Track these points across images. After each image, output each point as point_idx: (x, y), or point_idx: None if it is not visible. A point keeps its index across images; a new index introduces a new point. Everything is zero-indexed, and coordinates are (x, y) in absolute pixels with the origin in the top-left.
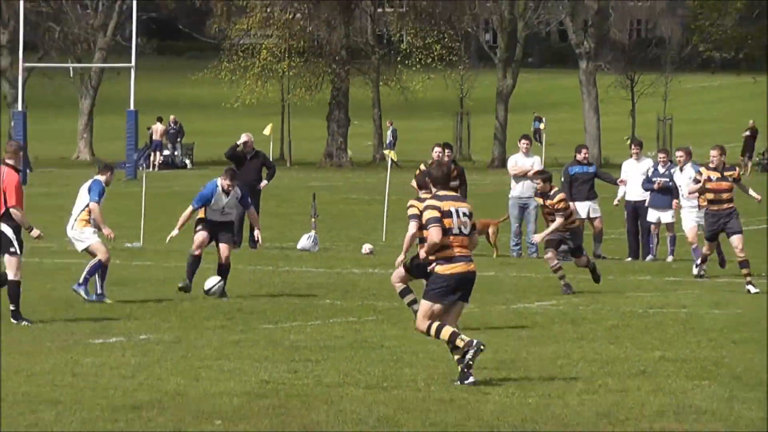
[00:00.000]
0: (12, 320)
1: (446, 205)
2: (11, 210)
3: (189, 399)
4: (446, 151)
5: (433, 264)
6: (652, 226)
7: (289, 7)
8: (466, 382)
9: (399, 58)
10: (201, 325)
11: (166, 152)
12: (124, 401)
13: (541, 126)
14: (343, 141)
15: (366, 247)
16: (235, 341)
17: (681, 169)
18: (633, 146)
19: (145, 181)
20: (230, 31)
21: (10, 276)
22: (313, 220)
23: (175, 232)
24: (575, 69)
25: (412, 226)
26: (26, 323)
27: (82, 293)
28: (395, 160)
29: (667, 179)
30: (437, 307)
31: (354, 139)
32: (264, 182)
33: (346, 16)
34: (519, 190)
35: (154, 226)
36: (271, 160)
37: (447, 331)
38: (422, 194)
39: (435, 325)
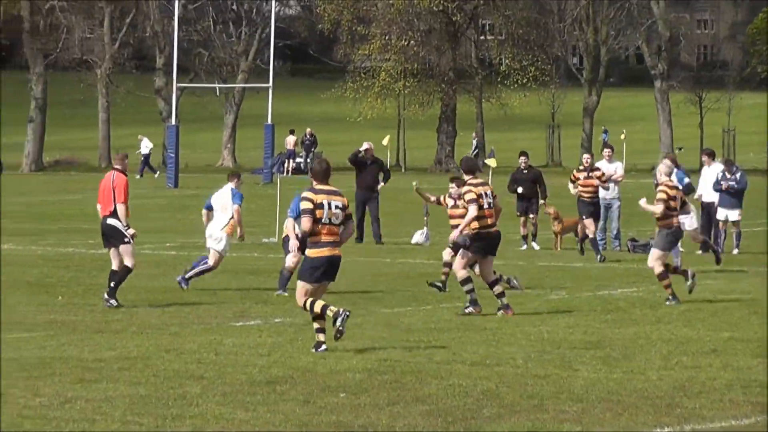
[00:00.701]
0: (105, 296)
1: (319, 198)
2: (118, 205)
3: (317, 375)
4: (523, 158)
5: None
6: (720, 223)
7: (405, 35)
8: (320, 349)
9: (499, 79)
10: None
11: (299, 160)
12: (260, 377)
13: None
14: (451, 150)
15: None
16: (357, 324)
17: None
18: (704, 156)
19: (279, 185)
20: (354, 56)
21: (127, 263)
22: (425, 218)
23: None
24: (650, 88)
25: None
26: (112, 304)
27: (184, 286)
28: (493, 167)
29: (733, 182)
30: (309, 286)
31: (459, 149)
32: (381, 184)
33: (453, 42)
34: (603, 192)
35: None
36: (387, 166)
37: (318, 305)
38: (469, 179)
39: (309, 300)
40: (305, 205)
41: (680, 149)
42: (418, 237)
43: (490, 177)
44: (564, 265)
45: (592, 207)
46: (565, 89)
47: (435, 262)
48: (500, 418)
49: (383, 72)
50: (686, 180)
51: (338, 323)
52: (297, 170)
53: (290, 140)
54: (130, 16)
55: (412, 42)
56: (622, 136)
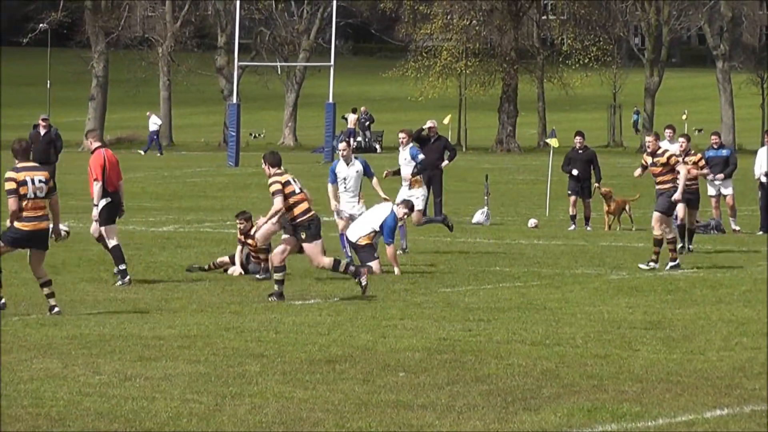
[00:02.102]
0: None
1: (21, 176)
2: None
3: (377, 353)
4: (578, 137)
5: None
6: None
7: (467, 15)
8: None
9: (560, 59)
10: (387, 288)
11: (359, 138)
12: (320, 355)
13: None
14: (512, 129)
15: (532, 222)
16: (417, 303)
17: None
18: (767, 136)
19: None
20: (416, 35)
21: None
22: (486, 197)
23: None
24: (712, 68)
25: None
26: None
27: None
28: (555, 146)
29: None
30: (6, 249)
31: (521, 128)
32: (445, 162)
33: (515, 22)
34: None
35: None
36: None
37: None
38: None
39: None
40: (10, 185)
41: (699, 131)
42: (479, 216)
43: (551, 156)
44: (625, 245)
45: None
46: (626, 69)
47: (495, 242)
48: (560, 398)
49: (445, 51)
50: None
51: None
52: (358, 149)
53: (351, 119)
54: None
55: (474, 21)
56: (684, 117)
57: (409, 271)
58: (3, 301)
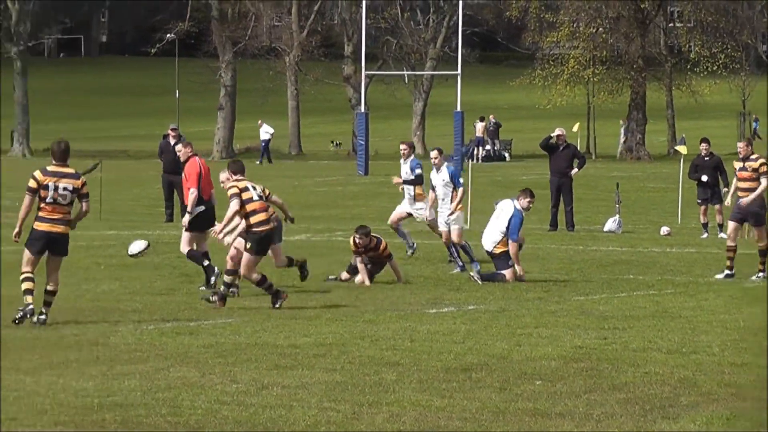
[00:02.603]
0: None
1: (45, 180)
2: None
3: (512, 361)
4: (704, 144)
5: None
6: None
7: (593, 23)
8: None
9: (688, 66)
10: (521, 297)
11: (488, 147)
12: (455, 363)
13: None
14: (641, 137)
15: (664, 229)
16: (551, 311)
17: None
18: None
19: (471, 172)
20: (543, 43)
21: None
22: (617, 205)
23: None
24: None
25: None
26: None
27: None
28: (684, 153)
29: None
30: (28, 255)
31: (650, 136)
32: (575, 170)
33: (642, 29)
34: None
35: (478, 210)
36: (581, 153)
37: (25, 285)
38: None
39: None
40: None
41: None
42: (611, 224)
43: (681, 164)
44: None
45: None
46: (755, 77)
47: (628, 249)
48: (698, 407)
49: (572, 59)
50: None
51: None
52: (487, 157)
53: (479, 127)
54: (318, 4)
55: (600, 29)
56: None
57: (543, 279)
58: (31, 307)
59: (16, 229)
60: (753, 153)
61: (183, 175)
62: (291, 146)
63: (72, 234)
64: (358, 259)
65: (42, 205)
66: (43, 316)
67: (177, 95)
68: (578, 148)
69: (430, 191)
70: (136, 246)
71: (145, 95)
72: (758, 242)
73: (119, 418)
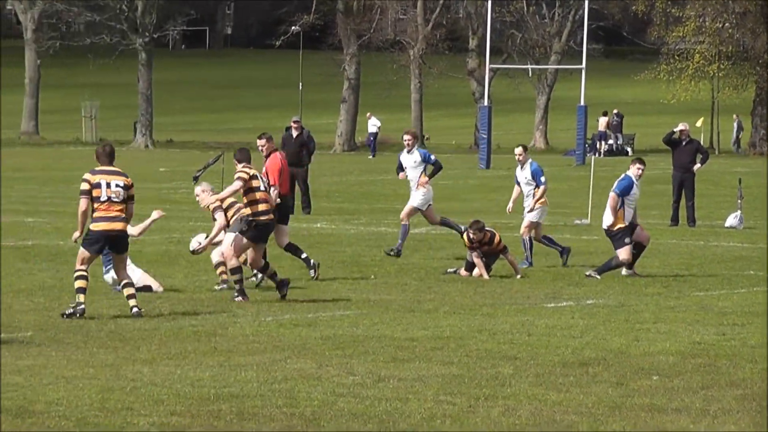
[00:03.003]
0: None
1: (96, 178)
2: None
3: (630, 357)
4: None
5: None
6: None
7: (719, 18)
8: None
9: None
10: (640, 292)
11: (611, 141)
12: (573, 358)
13: None
14: (765, 133)
15: None
16: (670, 306)
17: None
18: None
19: (593, 166)
20: (668, 38)
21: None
22: (739, 201)
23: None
24: None
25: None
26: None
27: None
28: None
29: None
30: (89, 255)
31: None
32: (697, 165)
33: None
34: None
35: (599, 205)
36: (704, 148)
37: (79, 283)
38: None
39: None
40: (81, 186)
41: None
42: (732, 220)
43: None
44: None
45: None
46: None
47: (749, 246)
48: None
49: (697, 54)
50: None
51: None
52: (609, 152)
53: (602, 122)
54: None
55: (726, 24)
56: None
57: (663, 274)
58: (82, 307)
59: (77, 233)
60: None
61: (264, 169)
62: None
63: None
64: (474, 254)
65: (96, 205)
66: (136, 309)
67: (300, 88)
68: (701, 143)
69: (515, 186)
70: (195, 242)
71: (268, 88)
72: None
73: (235, 408)
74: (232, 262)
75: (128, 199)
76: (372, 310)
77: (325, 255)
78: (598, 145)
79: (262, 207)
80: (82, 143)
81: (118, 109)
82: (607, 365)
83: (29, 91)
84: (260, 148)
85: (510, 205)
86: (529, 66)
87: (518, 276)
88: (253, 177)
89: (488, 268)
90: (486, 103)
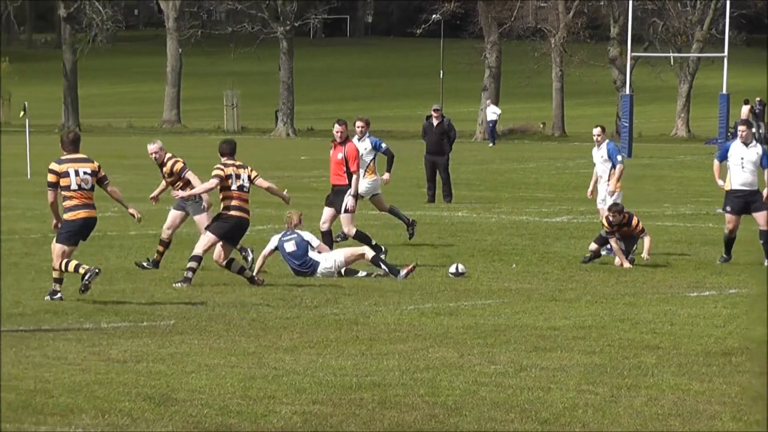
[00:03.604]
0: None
1: (63, 168)
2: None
3: None
4: None
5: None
6: None
7: None
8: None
9: None
10: None
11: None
12: (715, 347)
13: None
14: None
15: None
16: None
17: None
18: None
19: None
20: None
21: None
22: None
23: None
24: None
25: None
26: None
27: None
28: None
29: None
30: (68, 248)
31: None
32: None
33: None
34: None
35: None
36: None
37: (72, 264)
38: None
39: (65, 261)
40: (48, 178)
41: None
42: None
43: None
44: None
45: None
46: None
47: None
48: None
49: None
50: None
51: (87, 278)
52: None
53: (744, 110)
54: None
55: None
56: None
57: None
58: (59, 296)
59: (54, 221)
60: None
61: (343, 155)
62: (554, 128)
63: None
64: (612, 239)
65: (67, 194)
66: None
67: (441, 76)
68: None
69: (594, 170)
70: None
71: (409, 76)
72: None
73: (377, 397)
74: (198, 251)
75: (102, 181)
76: (513, 299)
77: (467, 244)
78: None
79: (234, 203)
80: (224, 132)
81: (260, 98)
82: (751, 355)
83: (171, 80)
84: (337, 133)
85: (590, 188)
86: (670, 54)
87: (646, 257)
88: (228, 177)
89: (626, 253)
90: (627, 92)
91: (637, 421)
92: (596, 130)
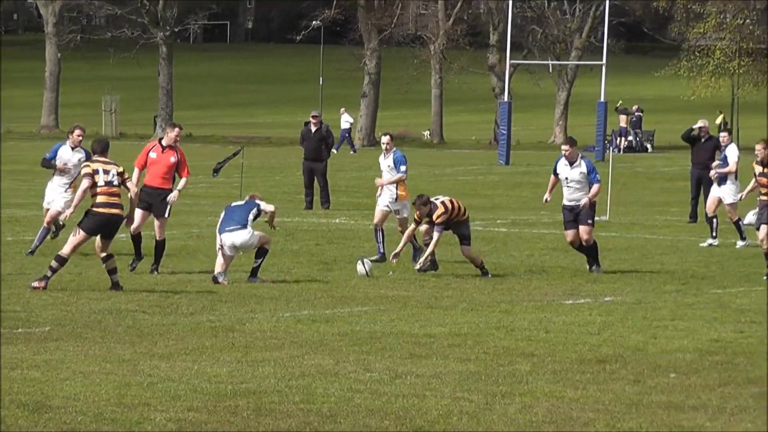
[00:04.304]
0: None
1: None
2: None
3: (647, 354)
4: None
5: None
6: None
7: (740, 14)
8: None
9: None
10: (659, 289)
11: (630, 138)
12: (590, 355)
13: None
14: None
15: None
16: (688, 303)
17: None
18: None
19: (612, 163)
20: (689, 34)
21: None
22: (758, 198)
23: None
24: None
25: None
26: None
27: None
28: None
29: None
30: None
31: None
32: (716, 162)
33: None
34: None
35: (617, 201)
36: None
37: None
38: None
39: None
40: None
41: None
42: (751, 217)
43: None
44: None
45: None
46: None
47: None
48: None
49: (718, 51)
50: None
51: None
52: (629, 148)
53: (622, 118)
54: None
55: (747, 20)
56: None
57: (680, 271)
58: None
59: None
60: None
61: (177, 159)
62: (433, 135)
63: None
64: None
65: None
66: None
67: (321, 82)
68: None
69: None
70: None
71: (289, 82)
72: None
73: (252, 404)
74: (65, 251)
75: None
76: (390, 306)
77: (344, 250)
78: (617, 142)
79: (101, 199)
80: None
81: (139, 103)
82: (625, 362)
83: (49, 84)
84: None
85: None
86: (549, 62)
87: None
88: (95, 172)
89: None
90: (506, 99)
91: (511, 428)
92: (385, 138)
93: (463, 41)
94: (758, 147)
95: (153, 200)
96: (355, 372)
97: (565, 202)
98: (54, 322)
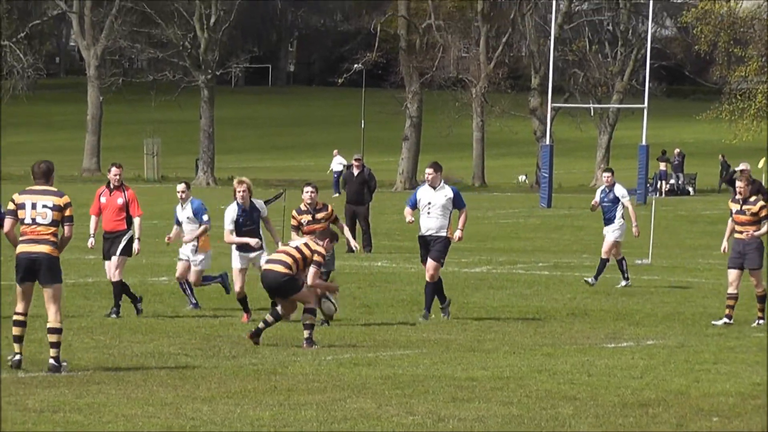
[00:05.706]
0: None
1: (21, 199)
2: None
3: (689, 398)
4: None
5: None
6: None
7: None
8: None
9: None
10: (701, 332)
11: (672, 181)
12: (633, 399)
13: None
14: None
15: None
16: (730, 347)
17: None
18: None
19: (654, 206)
20: (730, 77)
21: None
22: None
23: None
24: None
25: None
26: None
27: None
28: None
29: None
30: (18, 288)
31: None
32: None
33: None
34: None
35: (659, 245)
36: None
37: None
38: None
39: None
40: (8, 206)
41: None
42: None
43: None
44: None
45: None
46: None
47: None
48: None
49: (760, 94)
50: None
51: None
52: (671, 191)
53: (661, 161)
54: (506, 36)
55: None
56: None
57: (723, 314)
58: (18, 358)
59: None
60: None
61: (124, 200)
62: (475, 177)
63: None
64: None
65: (21, 228)
66: (56, 363)
67: (363, 125)
68: (762, 184)
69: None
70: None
71: (330, 125)
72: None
73: None
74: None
75: (64, 221)
76: (432, 350)
77: (386, 294)
78: (659, 185)
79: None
80: (144, 180)
81: (180, 146)
82: (667, 406)
83: (91, 128)
84: (115, 177)
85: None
86: (591, 105)
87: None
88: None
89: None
90: (548, 142)
91: None
92: (181, 187)
93: (504, 84)
94: (740, 184)
95: (111, 245)
96: (397, 415)
97: (421, 231)
98: (96, 364)
